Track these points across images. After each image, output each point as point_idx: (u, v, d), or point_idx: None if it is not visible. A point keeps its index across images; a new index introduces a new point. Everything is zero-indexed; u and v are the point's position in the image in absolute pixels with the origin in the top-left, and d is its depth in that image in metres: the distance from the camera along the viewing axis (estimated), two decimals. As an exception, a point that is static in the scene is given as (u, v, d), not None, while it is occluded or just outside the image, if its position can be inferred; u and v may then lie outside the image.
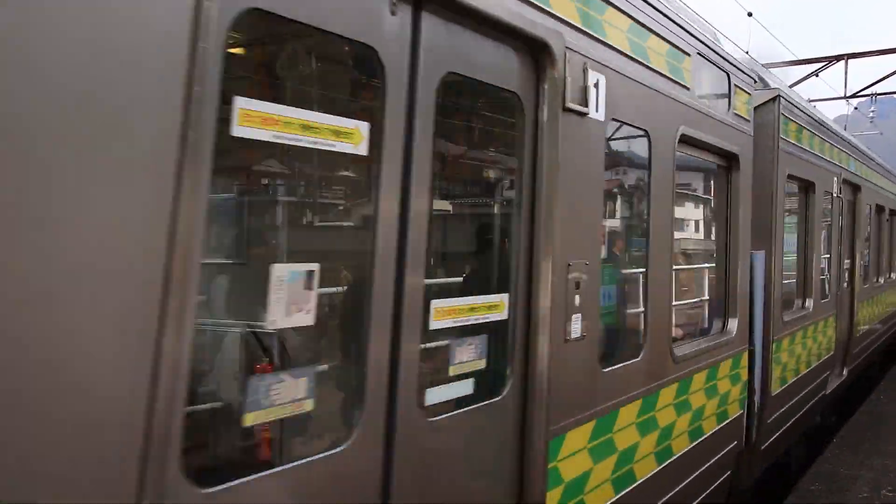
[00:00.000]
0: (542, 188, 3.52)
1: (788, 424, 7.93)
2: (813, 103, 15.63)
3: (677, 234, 5.25)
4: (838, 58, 19.32)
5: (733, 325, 6.23)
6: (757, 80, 6.93)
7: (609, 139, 4.19)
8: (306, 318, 2.40)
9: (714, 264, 6.40)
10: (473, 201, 4.12)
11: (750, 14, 17.35)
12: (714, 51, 5.75)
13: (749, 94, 6.56)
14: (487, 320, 3.29)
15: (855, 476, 8.22)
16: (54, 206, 1.72)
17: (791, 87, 14.55)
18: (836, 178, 9.73)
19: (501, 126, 3.69)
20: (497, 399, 3.34)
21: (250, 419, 2.26)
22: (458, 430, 3.11)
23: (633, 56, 4.39)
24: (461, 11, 3.03)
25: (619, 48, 4.22)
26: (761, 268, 6.88)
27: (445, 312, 3.01)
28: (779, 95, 7.28)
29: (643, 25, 4.54)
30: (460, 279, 4.04)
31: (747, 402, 6.60)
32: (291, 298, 2.33)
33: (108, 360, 1.82)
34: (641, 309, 4.74)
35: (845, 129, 13.37)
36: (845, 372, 10.90)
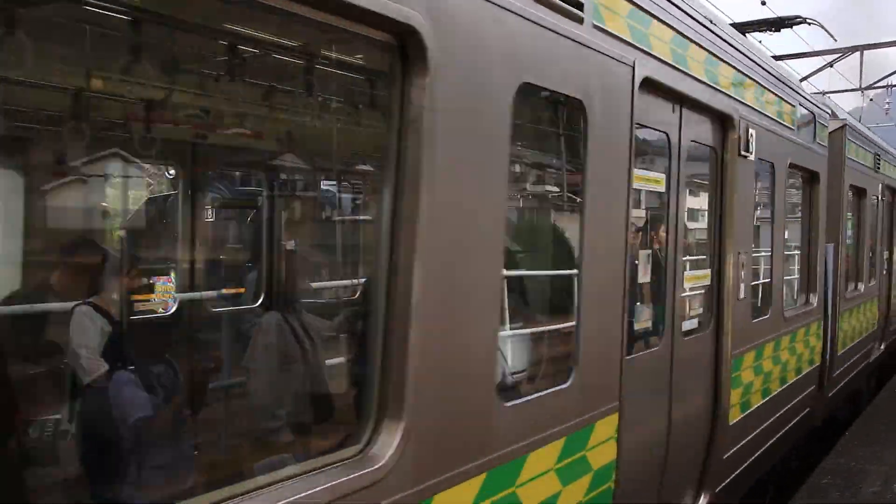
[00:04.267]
0: (725, 205, 5.75)
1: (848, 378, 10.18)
2: (827, 95, 15.95)
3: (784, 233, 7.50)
4: (854, 49, 19.06)
5: (814, 299, 8.48)
6: (831, 114, 9.13)
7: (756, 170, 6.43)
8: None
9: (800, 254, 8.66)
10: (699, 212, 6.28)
11: (763, 3, 16.57)
12: (808, 100, 7.96)
13: (826, 126, 8.76)
14: (702, 285, 5.55)
15: (867, 470, 8.15)
16: None
17: (804, 78, 15.09)
18: (881, 185, 11.85)
19: (704, 166, 5.93)
20: (707, 331, 5.61)
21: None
22: (690, 347, 5.36)
23: (765, 113, 6.61)
24: (696, 105, 5.25)
25: (759, 109, 6.43)
26: (832, 257, 9.09)
27: (689, 279, 5.28)
28: (846, 124, 9.48)
29: (771, 91, 6.75)
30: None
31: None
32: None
33: None
34: (766, 283, 6.99)
35: (860, 121, 14.12)
36: (883, 346, 12.99)
